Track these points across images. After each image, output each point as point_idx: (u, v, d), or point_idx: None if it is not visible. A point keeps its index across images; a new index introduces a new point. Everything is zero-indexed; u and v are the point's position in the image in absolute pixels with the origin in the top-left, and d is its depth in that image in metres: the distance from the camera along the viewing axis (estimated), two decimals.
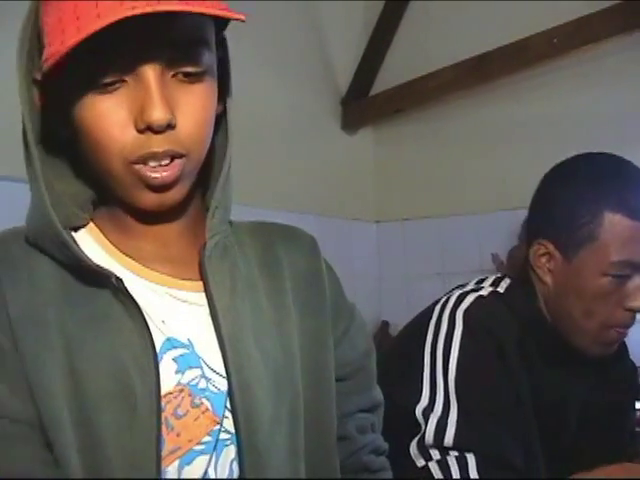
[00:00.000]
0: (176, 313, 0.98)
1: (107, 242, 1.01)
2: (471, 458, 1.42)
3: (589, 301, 1.53)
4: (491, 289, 1.63)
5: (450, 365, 1.51)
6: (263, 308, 1.04)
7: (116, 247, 1.01)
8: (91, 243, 1.01)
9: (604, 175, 1.58)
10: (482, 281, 1.70)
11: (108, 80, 0.89)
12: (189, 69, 0.91)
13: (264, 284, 1.06)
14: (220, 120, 1.03)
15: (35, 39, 0.94)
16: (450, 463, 1.43)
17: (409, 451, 1.46)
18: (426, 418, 1.47)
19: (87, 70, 0.88)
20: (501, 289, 1.64)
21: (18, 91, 0.95)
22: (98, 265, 0.94)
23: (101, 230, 1.03)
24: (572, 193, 1.58)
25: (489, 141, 3.24)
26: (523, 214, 2.97)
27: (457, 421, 1.45)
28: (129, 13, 0.80)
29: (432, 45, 3.37)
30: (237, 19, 0.87)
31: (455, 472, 1.42)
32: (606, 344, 1.58)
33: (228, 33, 1.02)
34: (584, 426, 1.62)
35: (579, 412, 1.62)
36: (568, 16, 2.76)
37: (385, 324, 3.33)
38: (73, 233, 1.01)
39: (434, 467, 1.43)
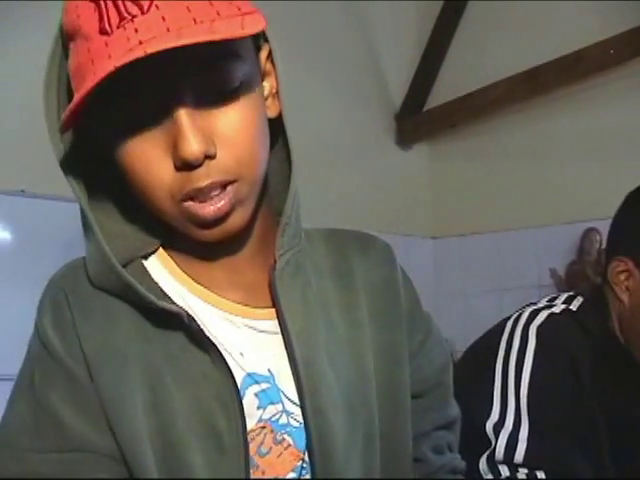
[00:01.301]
0: (255, 345, 0.95)
1: (178, 270, 0.97)
2: (541, 475, 1.40)
3: None
4: (564, 307, 1.61)
5: (522, 381, 1.49)
6: (336, 325, 1.00)
7: (187, 275, 0.97)
8: (162, 271, 0.97)
9: None
10: (554, 299, 1.67)
11: (138, 119, 0.84)
12: (221, 89, 0.85)
13: (337, 298, 1.02)
14: (278, 122, 0.96)
15: (64, 85, 0.90)
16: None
17: (478, 466, 1.44)
18: (496, 434, 1.46)
19: (115, 112, 0.84)
20: (574, 307, 1.62)
21: (52, 144, 0.90)
22: (166, 303, 0.89)
23: (172, 257, 0.98)
24: None
25: (545, 154, 3.20)
26: (581, 228, 2.96)
27: (528, 438, 1.43)
28: (138, 55, 0.75)
29: (486, 58, 3.35)
30: (251, 34, 0.81)
31: None
32: None
33: (280, 50, 0.98)
34: None
35: None
36: (623, 26, 2.73)
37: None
38: (143, 261, 0.97)
39: None
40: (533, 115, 3.21)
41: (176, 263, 0.98)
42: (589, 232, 2.96)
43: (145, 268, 0.96)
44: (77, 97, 0.78)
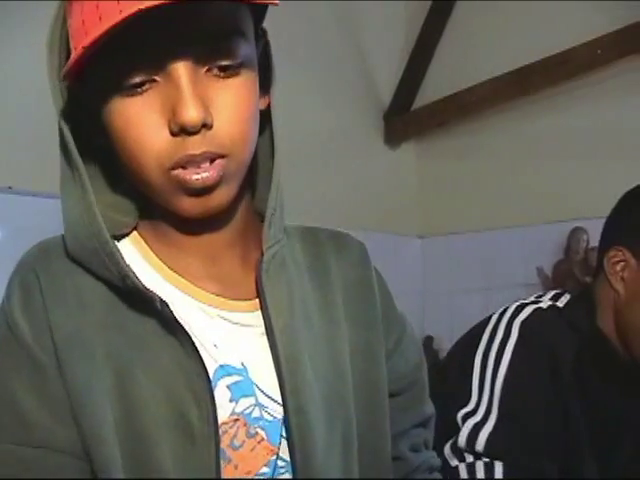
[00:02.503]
0: (229, 337, 0.93)
1: (152, 255, 0.95)
2: (499, 467, 1.42)
3: None
4: (550, 303, 1.62)
5: (499, 373, 1.50)
6: (314, 324, 0.99)
7: (162, 261, 0.95)
8: (135, 255, 0.95)
9: None
10: (542, 295, 1.69)
11: (137, 80, 0.83)
12: (223, 62, 0.85)
13: (315, 296, 1.01)
14: (265, 117, 0.96)
15: (64, 46, 0.89)
16: (477, 468, 1.43)
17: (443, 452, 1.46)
18: (464, 421, 1.47)
19: (115, 72, 0.83)
20: (560, 304, 1.63)
21: (53, 100, 0.89)
22: (144, 285, 0.87)
23: (145, 241, 0.96)
24: None
25: (532, 154, 3.21)
26: (568, 227, 2.97)
27: (493, 429, 1.45)
28: (150, 3, 0.75)
29: (474, 58, 3.36)
30: (270, 3, 0.83)
31: (480, 478, 1.42)
32: None
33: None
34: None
35: (636, 432, 1.59)
36: (609, 27, 2.74)
37: (429, 339, 3.31)
38: (116, 242, 0.93)
39: (463, 469, 1.44)
40: (520, 115, 3.22)
41: (150, 248, 0.96)
42: (576, 231, 2.97)
43: (118, 249, 0.92)
44: (92, 37, 0.78)
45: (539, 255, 3.10)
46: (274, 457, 0.92)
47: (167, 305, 0.88)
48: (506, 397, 1.48)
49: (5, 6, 2.10)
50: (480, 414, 1.47)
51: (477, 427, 1.46)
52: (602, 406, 1.54)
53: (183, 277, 0.94)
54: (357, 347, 1.02)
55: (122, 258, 0.89)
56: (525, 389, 1.49)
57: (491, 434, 1.45)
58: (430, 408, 1.16)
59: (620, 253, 1.56)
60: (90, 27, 0.79)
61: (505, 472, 1.42)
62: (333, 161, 3.21)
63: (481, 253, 3.35)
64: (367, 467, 1.00)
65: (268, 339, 0.93)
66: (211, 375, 0.89)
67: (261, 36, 0.96)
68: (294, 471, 0.92)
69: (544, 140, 3.17)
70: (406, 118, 3.50)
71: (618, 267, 1.57)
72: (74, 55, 0.80)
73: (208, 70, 0.85)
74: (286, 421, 0.92)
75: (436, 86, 3.44)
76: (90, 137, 0.92)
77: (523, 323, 1.55)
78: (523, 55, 3.03)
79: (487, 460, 1.43)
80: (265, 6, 0.92)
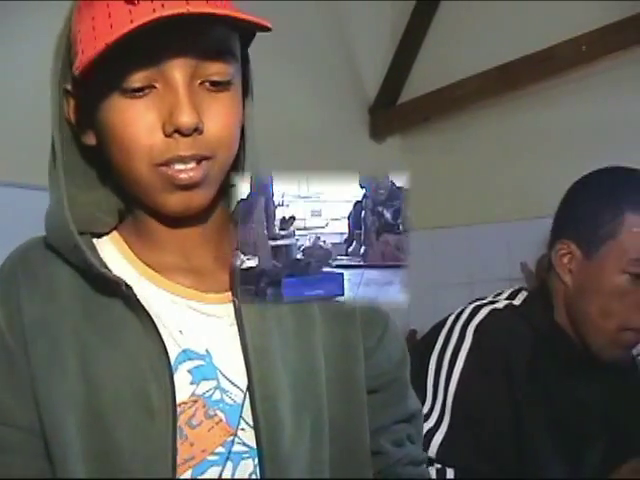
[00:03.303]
0: (195, 325, 0.99)
1: (129, 252, 1.03)
2: (450, 474, 1.44)
3: (607, 299, 1.54)
4: (507, 302, 1.64)
5: (452, 378, 1.52)
6: (286, 320, 1.04)
7: (139, 258, 1.03)
8: (112, 251, 1.03)
9: (625, 181, 1.65)
10: (500, 294, 1.70)
11: (138, 85, 0.91)
12: (215, 78, 0.94)
13: None
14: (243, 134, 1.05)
15: (66, 50, 0.97)
16: (430, 474, 1.44)
17: None
18: None
19: (117, 76, 0.91)
20: (517, 301, 1.65)
21: (50, 100, 0.97)
22: (107, 271, 0.96)
23: (125, 240, 1.05)
24: (595, 196, 1.64)
25: (518, 149, 3.22)
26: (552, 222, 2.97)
27: (445, 435, 1.47)
28: (162, 14, 0.83)
29: (460, 53, 3.36)
30: (264, 25, 0.91)
31: None
32: (622, 347, 1.58)
33: (255, 42, 1.03)
34: (613, 440, 1.61)
35: (605, 426, 1.61)
36: (595, 23, 2.75)
37: (413, 333, 3.32)
38: (95, 239, 1.04)
39: None
40: (505, 110, 3.22)
41: (130, 247, 1.04)
42: None
43: (93, 244, 1.02)
44: (96, 50, 0.85)
45: (523, 250, 3.09)
46: (230, 438, 0.97)
47: (131, 288, 0.95)
48: (459, 403, 1.50)
49: (5, 6, 2.11)
50: (433, 419, 1.49)
51: (430, 433, 1.47)
52: (565, 405, 1.55)
53: (158, 272, 1.02)
54: (332, 343, 1.06)
55: (93, 250, 0.99)
56: (478, 396, 1.51)
57: (444, 440, 1.47)
58: (414, 404, 1.19)
59: (566, 246, 1.60)
60: (100, 33, 0.87)
61: (456, 479, 1.43)
62: (319, 155, 3.20)
63: (465, 248, 3.35)
64: (341, 459, 1.03)
65: (238, 328, 0.99)
66: (172, 359, 0.96)
67: (246, 61, 1.04)
68: (260, 458, 0.96)
69: (529, 136, 3.18)
70: (391, 112, 3.50)
71: (565, 260, 1.60)
72: (88, 59, 0.87)
73: (201, 83, 0.94)
74: (253, 408, 0.96)
75: (422, 81, 3.45)
76: (81, 138, 1.00)
77: (478, 327, 1.56)
78: (508, 51, 3.03)
79: (439, 466, 1.45)
80: (253, 34, 1.01)
